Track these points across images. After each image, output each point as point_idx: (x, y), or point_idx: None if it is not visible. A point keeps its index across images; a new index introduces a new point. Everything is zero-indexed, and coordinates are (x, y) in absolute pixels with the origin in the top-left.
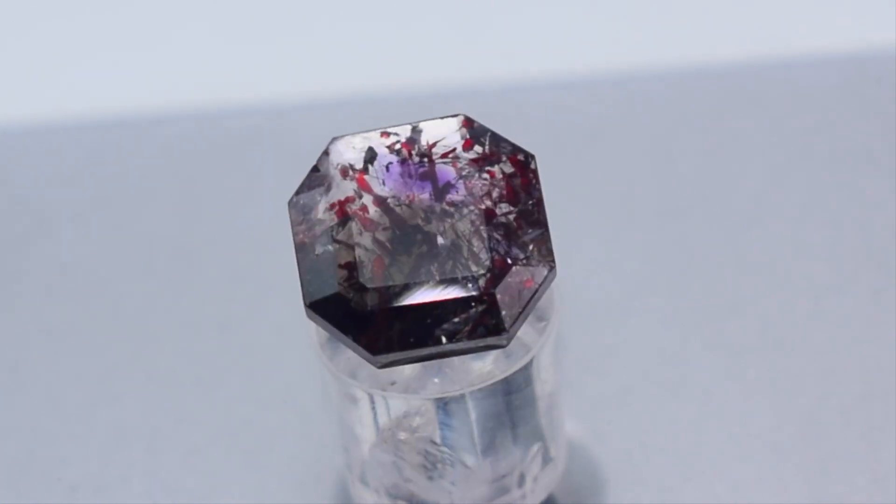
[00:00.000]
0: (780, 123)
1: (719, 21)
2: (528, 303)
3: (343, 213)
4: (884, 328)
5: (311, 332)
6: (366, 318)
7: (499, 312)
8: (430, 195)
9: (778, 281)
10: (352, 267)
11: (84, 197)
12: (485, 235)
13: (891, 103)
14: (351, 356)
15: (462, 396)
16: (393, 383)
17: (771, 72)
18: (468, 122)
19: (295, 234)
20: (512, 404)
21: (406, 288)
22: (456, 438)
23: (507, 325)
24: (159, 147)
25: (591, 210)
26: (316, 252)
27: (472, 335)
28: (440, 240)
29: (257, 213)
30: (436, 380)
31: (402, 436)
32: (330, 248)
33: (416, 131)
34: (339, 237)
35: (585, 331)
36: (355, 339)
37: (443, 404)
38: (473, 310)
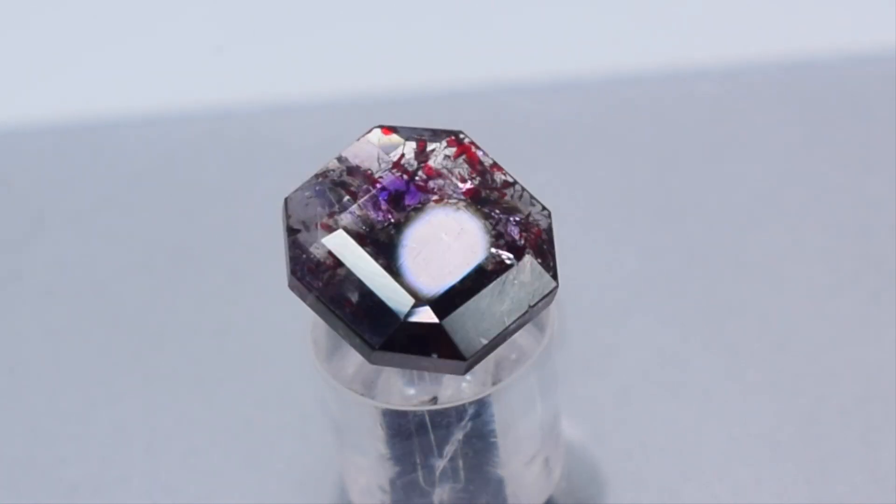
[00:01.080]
0: (780, 124)
1: (720, 22)
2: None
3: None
4: (884, 329)
5: (309, 345)
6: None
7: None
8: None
9: (778, 281)
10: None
11: (84, 197)
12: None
13: (891, 104)
14: (350, 369)
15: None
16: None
17: (771, 73)
18: (388, 130)
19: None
20: (511, 414)
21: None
22: (451, 449)
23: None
24: (159, 147)
25: (591, 211)
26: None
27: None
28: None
29: (257, 213)
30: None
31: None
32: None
33: (343, 161)
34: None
35: (585, 331)
36: (442, 356)
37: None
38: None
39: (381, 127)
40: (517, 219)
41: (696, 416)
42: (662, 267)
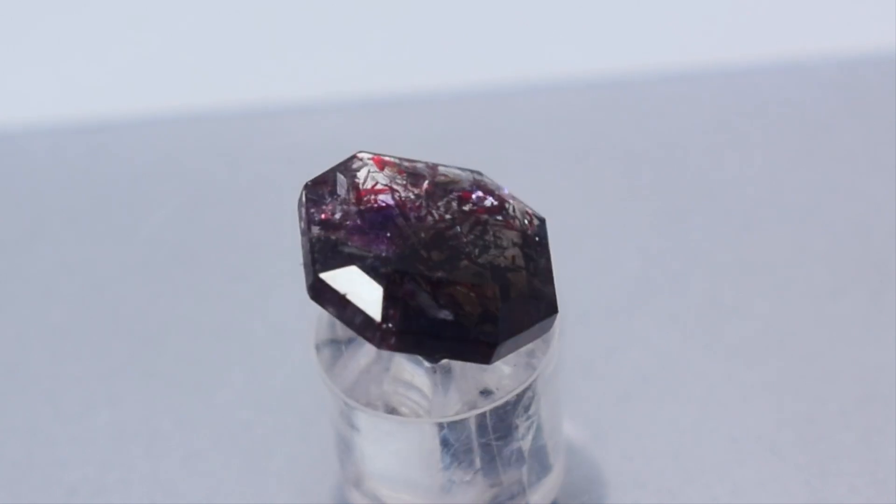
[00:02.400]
0: (780, 125)
1: (720, 23)
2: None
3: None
4: (884, 330)
5: (314, 356)
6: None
7: None
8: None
9: (778, 283)
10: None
11: (84, 198)
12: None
13: (891, 104)
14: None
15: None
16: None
17: (772, 73)
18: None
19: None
20: (515, 420)
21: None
22: (455, 456)
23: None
24: (159, 147)
25: (592, 212)
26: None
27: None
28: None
29: (258, 214)
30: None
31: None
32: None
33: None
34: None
35: (586, 333)
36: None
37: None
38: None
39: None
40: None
41: (696, 418)
42: (663, 268)
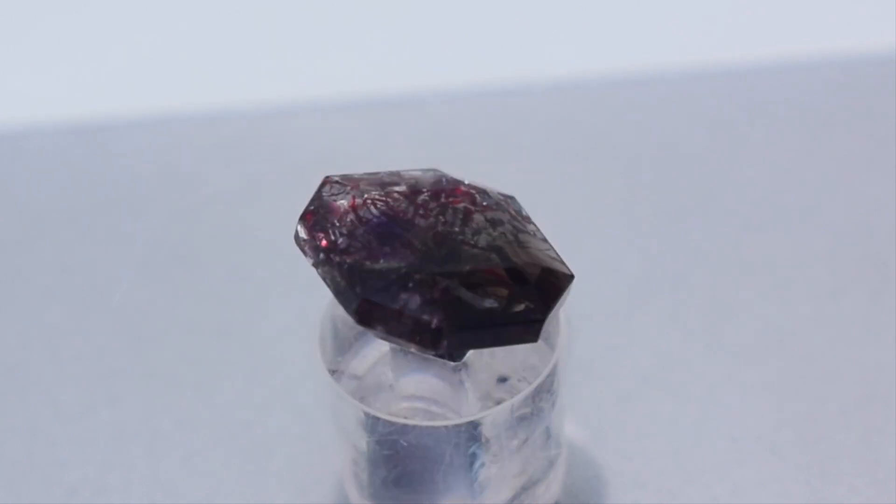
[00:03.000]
0: (781, 125)
1: (720, 23)
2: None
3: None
4: (884, 330)
5: (317, 353)
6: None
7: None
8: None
9: (778, 283)
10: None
11: (84, 198)
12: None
13: (891, 104)
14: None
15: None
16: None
17: (772, 74)
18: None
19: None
20: (522, 421)
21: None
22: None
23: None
24: (160, 148)
25: (592, 212)
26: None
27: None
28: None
29: (258, 214)
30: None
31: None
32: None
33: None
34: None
35: (586, 333)
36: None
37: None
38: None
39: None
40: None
41: (696, 418)
42: (663, 268)
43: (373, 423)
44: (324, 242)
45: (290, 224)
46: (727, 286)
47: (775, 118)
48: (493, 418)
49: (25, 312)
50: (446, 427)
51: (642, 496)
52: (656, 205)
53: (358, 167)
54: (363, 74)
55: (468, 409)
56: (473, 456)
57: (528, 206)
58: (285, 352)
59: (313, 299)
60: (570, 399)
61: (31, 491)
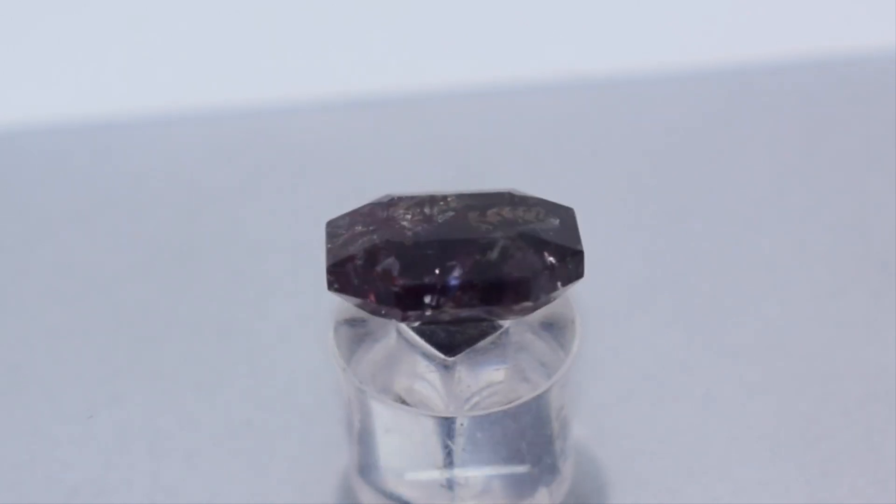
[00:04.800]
0: (781, 125)
1: (720, 23)
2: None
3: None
4: (885, 330)
5: (331, 344)
6: None
7: None
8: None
9: (779, 283)
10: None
11: (85, 198)
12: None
13: (891, 104)
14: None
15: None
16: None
17: (772, 74)
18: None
19: None
20: (531, 421)
21: None
22: (472, 454)
23: None
24: (160, 147)
25: (592, 212)
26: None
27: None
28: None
29: (258, 213)
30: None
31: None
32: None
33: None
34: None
35: (588, 333)
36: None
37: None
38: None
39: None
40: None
41: (698, 418)
42: (664, 268)
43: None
44: (371, 297)
45: (290, 224)
46: (727, 286)
47: (775, 118)
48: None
49: (26, 312)
50: (432, 417)
51: (643, 496)
52: (656, 205)
53: (358, 167)
54: (363, 74)
55: (455, 404)
56: (449, 450)
57: None
58: (286, 351)
59: (314, 299)
60: (571, 399)
61: (33, 491)
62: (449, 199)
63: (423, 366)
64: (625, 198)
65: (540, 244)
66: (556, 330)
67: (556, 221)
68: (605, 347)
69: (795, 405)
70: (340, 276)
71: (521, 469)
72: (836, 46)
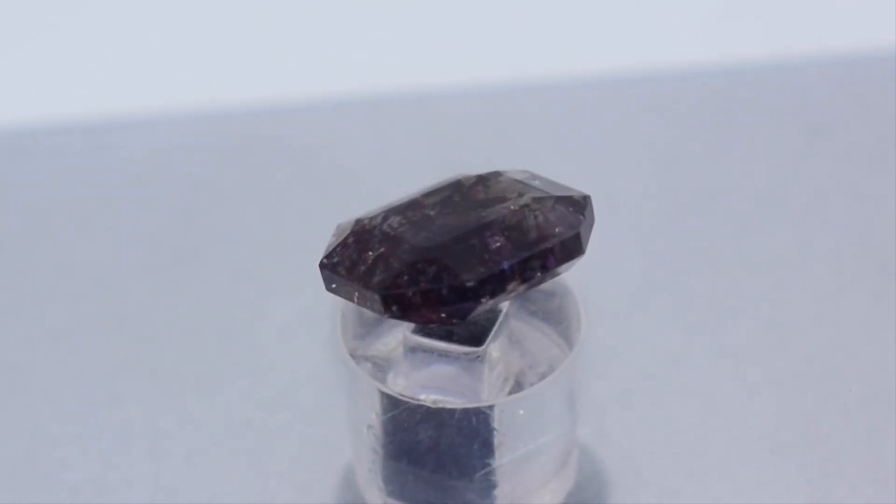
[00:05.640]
0: (781, 124)
1: (720, 23)
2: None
3: None
4: (886, 329)
5: (339, 332)
6: None
7: None
8: None
9: (780, 282)
10: None
11: (85, 197)
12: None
13: (891, 105)
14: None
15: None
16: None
17: (772, 74)
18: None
19: None
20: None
21: None
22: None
23: None
24: (160, 147)
25: (594, 212)
26: None
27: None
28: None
29: (258, 213)
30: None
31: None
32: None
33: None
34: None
35: (588, 333)
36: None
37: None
38: None
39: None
40: None
41: (698, 417)
42: (664, 268)
43: (387, 404)
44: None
45: (290, 224)
46: (728, 285)
47: (775, 118)
48: (504, 407)
49: (26, 312)
50: (457, 411)
51: (643, 495)
52: (656, 205)
53: (358, 167)
54: (363, 74)
55: (486, 397)
56: (484, 445)
57: None
58: (287, 351)
59: (314, 298)
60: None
61: (33, 491)
62: (419, 201)
63: (438, 371)
64: (625, 197)
65: (558, 200)
66: (543, 302)
67: (537, 182)
68: (604, 346)
69: (795, 405)
70: (400, 300)
71: (558, 434)
72: (836, 46)
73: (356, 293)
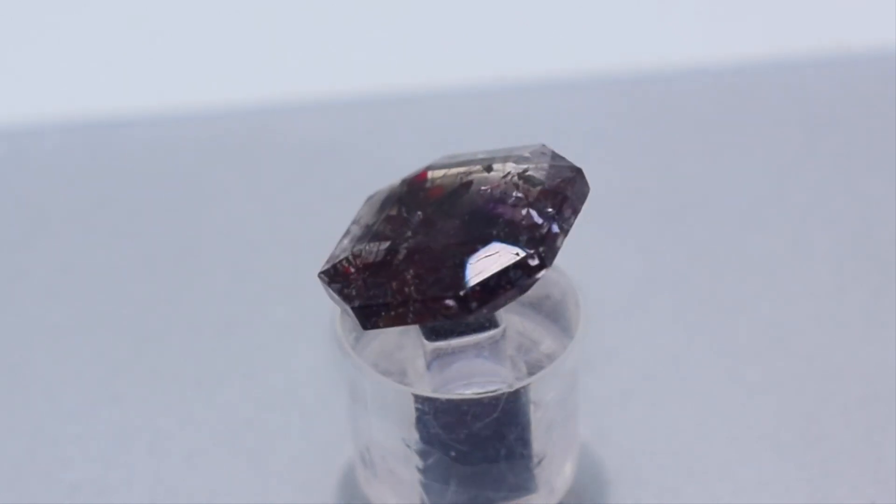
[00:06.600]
0: (781, 124)
1: (720, 23)
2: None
3: None
4: (886, 329)
5: (339, 329)
6: None
7: None
8: None
9: (780, 281)
10: None
11: (85, 197)
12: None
13: (891, 105)
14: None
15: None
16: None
17: (772, 72)
18: None
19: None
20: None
21: None
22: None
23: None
24: (160, 147)
25: (593, 211)
26: None
27: None
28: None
29: (258, 213)
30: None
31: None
32: None
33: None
34: None
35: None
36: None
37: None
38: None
39: None
40: None
41: (698, 417)
42: (664, 268)
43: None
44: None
45: (290, 224)
46: (729, 285)
47: (775, 118)
48: (540, 383)
49: (26, 312)
50: (495, 397)
51: (643, 495)
52: (657, 203)
53: (358, 166)
54: (363, 74)
55: (506, 375)
56: (525, 423)
57: None
58: (287, 350)
59: (314, 299)
60: None
61: (33, 490)
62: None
63: (460, 366)
64: (625, 197)
65: (520, 160)
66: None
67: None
68: (604, 346)
69: (795, 405)
70: (484, 286)
71: (572, 398)
72: (836, 46)
73: (410, 315)
